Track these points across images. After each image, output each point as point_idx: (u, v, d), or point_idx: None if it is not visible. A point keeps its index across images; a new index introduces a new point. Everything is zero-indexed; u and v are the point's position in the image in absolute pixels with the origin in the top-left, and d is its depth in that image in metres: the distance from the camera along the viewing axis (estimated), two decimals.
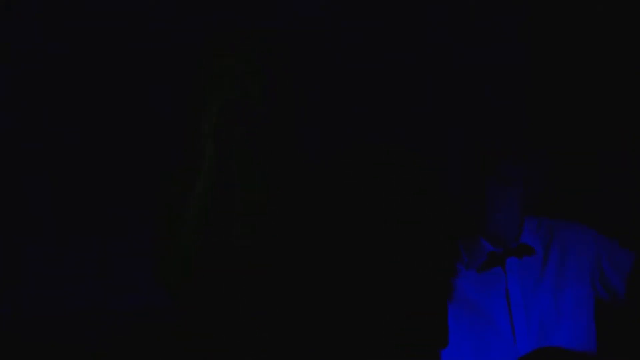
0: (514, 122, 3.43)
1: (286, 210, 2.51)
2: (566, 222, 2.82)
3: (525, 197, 2.72)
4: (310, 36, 3.41)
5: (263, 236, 2.50)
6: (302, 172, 2.52)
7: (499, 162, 2.66)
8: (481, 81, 3.49)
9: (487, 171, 2.66)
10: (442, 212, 2.58)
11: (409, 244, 2.51)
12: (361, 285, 2.48)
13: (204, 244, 2.48)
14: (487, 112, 3.46)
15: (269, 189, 2.51)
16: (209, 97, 2.49)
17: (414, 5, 3.49)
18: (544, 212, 2.82)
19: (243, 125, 2.48)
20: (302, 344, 2.48)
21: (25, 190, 3.41)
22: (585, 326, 2.73)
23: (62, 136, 3.43)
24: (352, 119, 3.40)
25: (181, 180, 2.47)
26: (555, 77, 3.47)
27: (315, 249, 2.47)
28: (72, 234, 3.41)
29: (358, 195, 2.46)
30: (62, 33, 3.41)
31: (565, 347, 2.70)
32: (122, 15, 3.42)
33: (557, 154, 3.20)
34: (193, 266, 2.46)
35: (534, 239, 2.74)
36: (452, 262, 2.73)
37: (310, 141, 2.55)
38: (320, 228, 2.47)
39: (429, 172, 2.41)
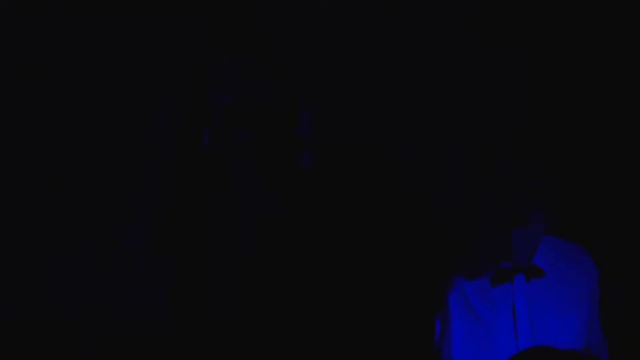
0: (513, 128, 3.43)
1: (287, 210, 2.51)
2: (576, 245, 2.82)
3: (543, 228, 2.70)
4: (310, 36, 3.41)
5: (264, 236, 2.50)
6: (300, 172, 2.52)
7: (522, 209, 2.63)
8: (481, 84, 3.49)
9: (511, 220, 2.64)
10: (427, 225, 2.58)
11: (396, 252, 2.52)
12: (350, 291, 2.48)
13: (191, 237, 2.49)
14: (488, 118, 3.47)
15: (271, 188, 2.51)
16: (210, 97, 2.49)
17: (413, 5, 3.49)
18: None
19: (244, 124, 2.48)
20: (293, 345, 2.48)
21: (25, 191, 3.41)
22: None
23: (61, 136, 3.43)
24: (351, 120, 3.40)
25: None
26: (553, 81, 3.48)
27: (308, 250, 2.47)
28: (72, 234, 3.41)
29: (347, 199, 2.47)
30: (62, 33, 3.41)
31: None
32: (121, 14, 3.42)
33: (556, 160, 3.20)
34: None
35: (546, 260, 2.73)
36: (444, 277, 2.74)
37: (310, 141, 2.55)
38: (314, 229, 2.47)
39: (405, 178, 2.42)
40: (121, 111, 3.42)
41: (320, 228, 2.52)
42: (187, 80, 2.56)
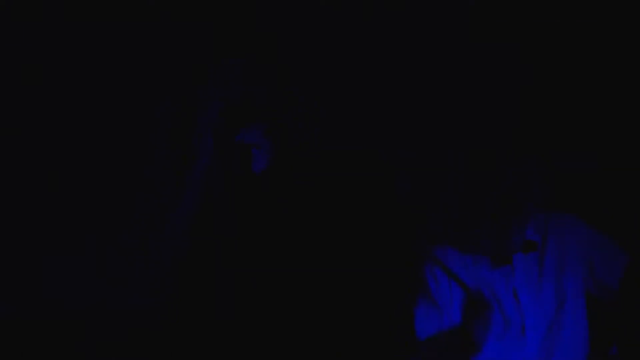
0: (511, 128, 3.43)
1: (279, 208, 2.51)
2: (559, 214, 2.87)
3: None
4: (310, 36, 3.41)
5: (254, 233, 2.50)
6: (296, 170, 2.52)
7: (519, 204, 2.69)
8: (481, 84, 3.49)
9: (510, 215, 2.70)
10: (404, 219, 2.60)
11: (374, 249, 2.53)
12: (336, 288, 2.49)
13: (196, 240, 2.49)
14: (486, 117, 3.46)
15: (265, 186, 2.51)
16: (209, 97, 2.49)
17: (413, 5, 3.49)
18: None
19: (242, 125, 2.48)
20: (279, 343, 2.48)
21: (25, 191, 3.41)
22: (583, 320, 2.79)
23: (61, 136, 3.43)
24: (351, 120, 3.40)
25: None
26: (553, 80, 3.48)
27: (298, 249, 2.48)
28: (72, 234, 3.41)
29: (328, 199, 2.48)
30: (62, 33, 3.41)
31: (567, 338, 2.75)
32: (121, 14, 3.42)
33: (554, 159, 3.20)
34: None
35: (539, 234, 2.80)
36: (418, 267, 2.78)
37: (309, 141, 2.55)
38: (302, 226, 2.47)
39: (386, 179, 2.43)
40: (121, 111, 3.42)
41: (319, 226, 2.52)
42: (187, 80, 2.57)
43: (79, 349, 3.33)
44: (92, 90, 3.43)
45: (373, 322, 2.57)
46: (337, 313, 2.51)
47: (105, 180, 3.40)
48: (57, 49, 3.41)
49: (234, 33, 2.54)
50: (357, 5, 3.47)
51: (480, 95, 3.48)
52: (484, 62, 3.48)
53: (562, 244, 2.82)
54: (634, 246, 3.25)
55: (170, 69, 3.31)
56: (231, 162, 2.50)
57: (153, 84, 3.35)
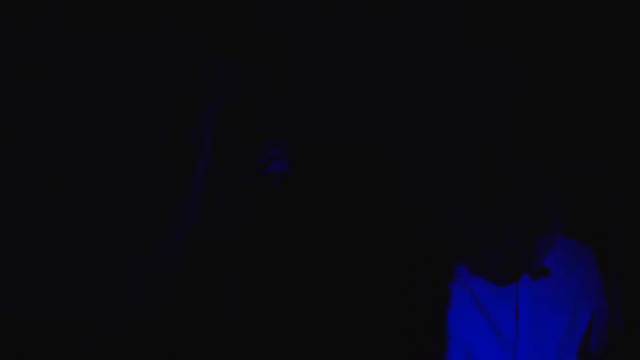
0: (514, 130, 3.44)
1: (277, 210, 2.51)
2: (581, 244, 2.84)
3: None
4: (310, 36, 3.41)
5: (257, 234, 2.50)
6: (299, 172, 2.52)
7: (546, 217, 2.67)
8: (481, 84, 3.49)
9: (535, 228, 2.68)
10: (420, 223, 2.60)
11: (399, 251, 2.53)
12: (354, 291, 2.49)
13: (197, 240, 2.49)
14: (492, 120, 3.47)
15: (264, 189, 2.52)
16: (210, 97, 2.49)
17: (413, 5, 3.49)
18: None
19: (242, 125, 2.48)
20: (294, 345, 2.48)
21: (25, 191, 3.41)
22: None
23: (61, 136, 3.43)
24: (352, 120, 3.40)
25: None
26: (554, 79, 3.48)
27: (304, 251, 2.48)
28: (72, 234, 3.41)
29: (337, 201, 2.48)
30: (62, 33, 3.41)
31: None
32: (121, 14, 3.42)
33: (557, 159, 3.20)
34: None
35: (552, 258, 2.75)
36: (445, 274, 2.77)
37: (309, 141, 2.55)
38: (311, 230, 2.47)
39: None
40: (121, 111, 3.42)
41: (320, 227, 2.52)
42: (187, 81, 2.57)
43: (79, 349, 3.33)
44: (92, 90, 3.43)
45: (373, 322, 2.57)
46: (337, 313, 2.51)
47: (105, 180, 3.40)
48: (57, 49, 3.41)
49: (234, 33, 2.54)
50: (357, 5, 3.47)
51: (480, 95, 3.49)
52: (484, 62, 3.48)
53: (581, 276, 2.79)
54: (634, 246, 3.25)
55: (170, 69, 3.31)
56: (231, 162, 2.50)
57: (153, 84, 3.35)
